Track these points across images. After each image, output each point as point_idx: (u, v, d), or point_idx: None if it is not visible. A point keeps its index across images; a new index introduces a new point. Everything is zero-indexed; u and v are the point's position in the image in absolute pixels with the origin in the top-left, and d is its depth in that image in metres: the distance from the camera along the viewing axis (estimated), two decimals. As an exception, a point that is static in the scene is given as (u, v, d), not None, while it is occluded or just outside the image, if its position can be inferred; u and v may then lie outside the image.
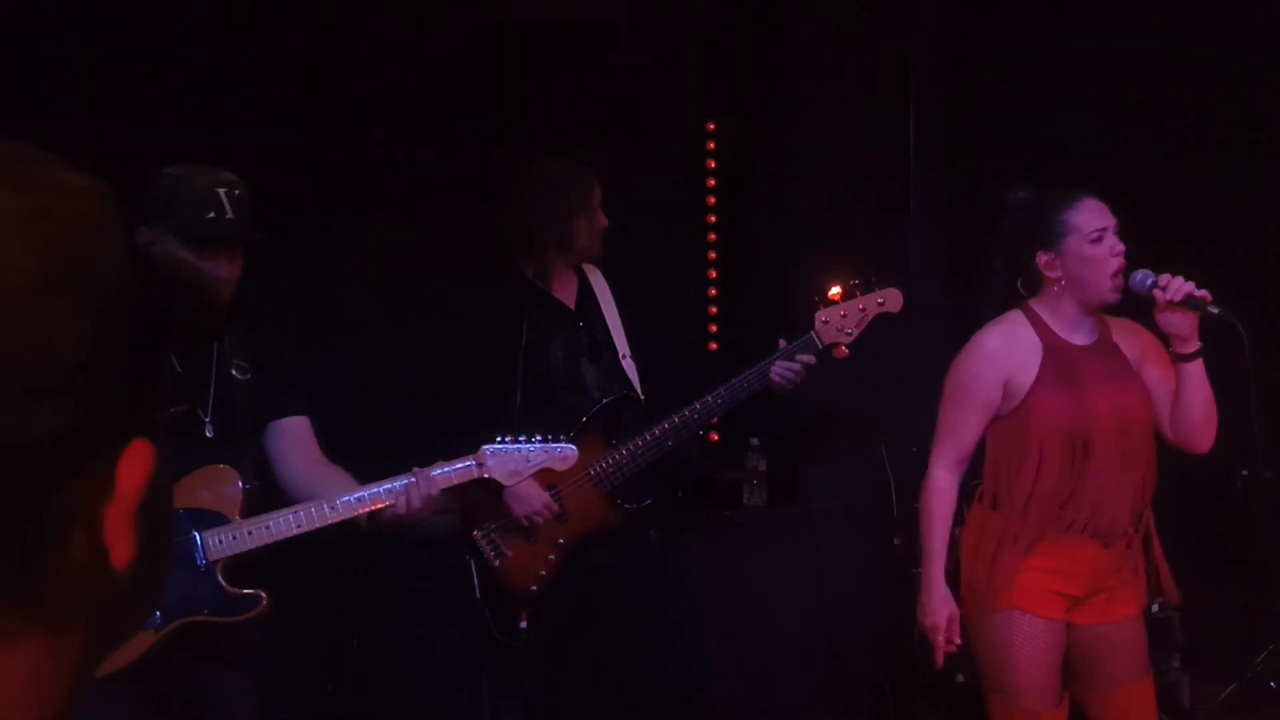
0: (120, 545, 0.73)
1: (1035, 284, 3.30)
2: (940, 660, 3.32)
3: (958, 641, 3.30)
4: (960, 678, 5.16)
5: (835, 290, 3.78)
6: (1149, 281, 3.17)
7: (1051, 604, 3.23)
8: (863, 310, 3.75)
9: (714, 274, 5.25)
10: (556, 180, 3.83)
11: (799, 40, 5.20)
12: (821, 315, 3.75)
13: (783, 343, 3.74)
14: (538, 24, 4.85)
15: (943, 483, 3.30)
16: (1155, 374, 3.29)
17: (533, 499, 3.69)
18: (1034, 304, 3.30)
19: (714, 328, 5.26)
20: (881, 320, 3.78)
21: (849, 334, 3.74)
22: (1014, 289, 3.35)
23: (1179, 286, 3.12)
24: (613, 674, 3.94)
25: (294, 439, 3.01)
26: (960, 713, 5.03)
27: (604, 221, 3.84)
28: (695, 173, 5.30)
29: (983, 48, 5.42)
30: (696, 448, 4.74)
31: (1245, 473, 5.79)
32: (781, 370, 3.70)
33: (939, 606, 3.29)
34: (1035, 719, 3.24)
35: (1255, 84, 5.54)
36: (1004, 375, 3.25)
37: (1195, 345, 3.17)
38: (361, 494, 2.90)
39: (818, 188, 5.15)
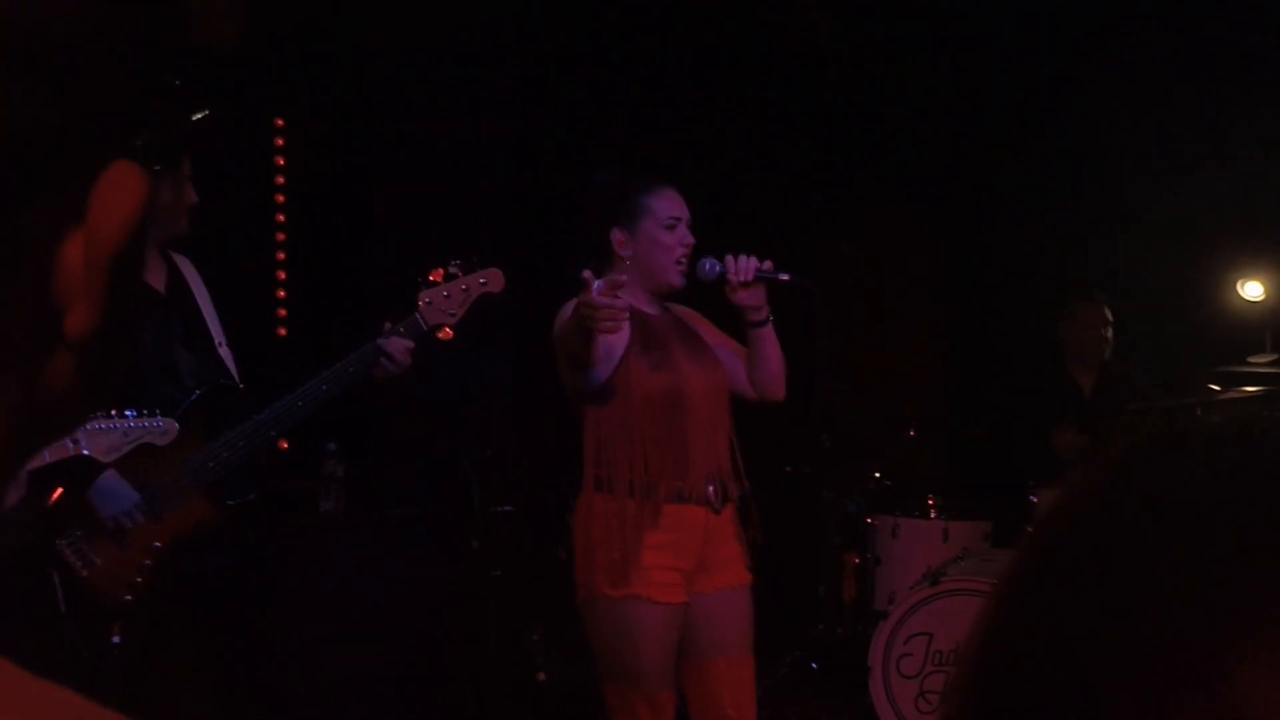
0: (80, 306, 0.55)
1: (607, 262, 3.36)
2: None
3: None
4: (542, 676, 5.22)
5: (436, 273, 3.73)
6: (717, 269, 3.34)
7: (671, 586, 3.22)
8: (465, 290, 3.70)
9: (282, 275, 5.06)
10: None
11: (368, 36, 5.14)
12: (424, 296, 3.67)
13: (388, 325, 3.63)
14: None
15: None
16: (720, 348, 3.46)
17: (121, 498, 3.37)
18: None
19: (283, 331, 5.06)
20: (484, 302, 3.77)
21: (453, 315, 3.69)
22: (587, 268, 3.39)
23: (746, 266, 3.31)
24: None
25: None
26: (543, 712, 5.09)
27: (193, 196, 3.60)
28: (265, 166, 5.10)
29: (551, 37, 5.58)
30: (264, 454, 4.52)
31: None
32: (389, 350, 3.59)
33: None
34: (654, 703, 3.22)
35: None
36: None
37: (766, 312, 3.37)
38: None
39: (390, 182, 5.09)
